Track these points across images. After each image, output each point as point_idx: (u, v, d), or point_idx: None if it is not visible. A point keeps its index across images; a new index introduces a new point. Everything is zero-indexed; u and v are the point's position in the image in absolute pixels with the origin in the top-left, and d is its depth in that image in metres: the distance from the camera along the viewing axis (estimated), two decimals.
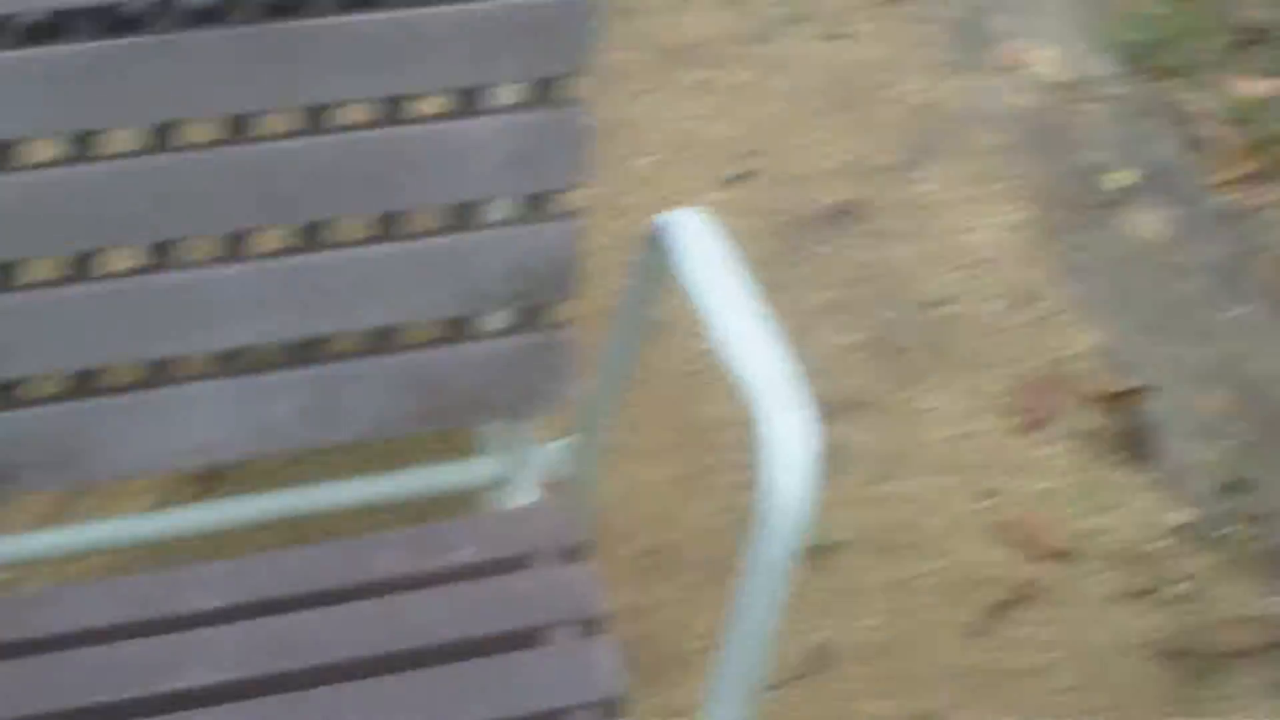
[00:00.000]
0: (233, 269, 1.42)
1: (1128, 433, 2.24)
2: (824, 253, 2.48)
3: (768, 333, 1.30)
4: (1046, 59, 2.82)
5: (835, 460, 2.11)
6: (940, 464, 2.18)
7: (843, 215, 2.56)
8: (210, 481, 1.94)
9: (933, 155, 2.66)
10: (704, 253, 1.37)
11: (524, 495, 1.64)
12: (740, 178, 2.59)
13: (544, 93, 1.42)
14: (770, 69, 2.83)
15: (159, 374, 1.45)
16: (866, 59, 2.84)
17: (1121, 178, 2.60)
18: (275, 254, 1.44)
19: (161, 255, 1.41)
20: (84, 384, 1.44)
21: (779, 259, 2.45)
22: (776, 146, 2.67)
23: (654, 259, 1.40)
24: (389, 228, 1.46)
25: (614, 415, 1.59)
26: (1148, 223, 2.53)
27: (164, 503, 1.91)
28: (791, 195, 2.57)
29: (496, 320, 1.53)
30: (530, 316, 1.51)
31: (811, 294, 2.42)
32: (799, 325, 2.22)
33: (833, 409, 2.22)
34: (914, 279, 2.45)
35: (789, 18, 2.93)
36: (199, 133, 1.37)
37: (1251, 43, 2.80)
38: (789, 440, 1.22)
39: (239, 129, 1.38)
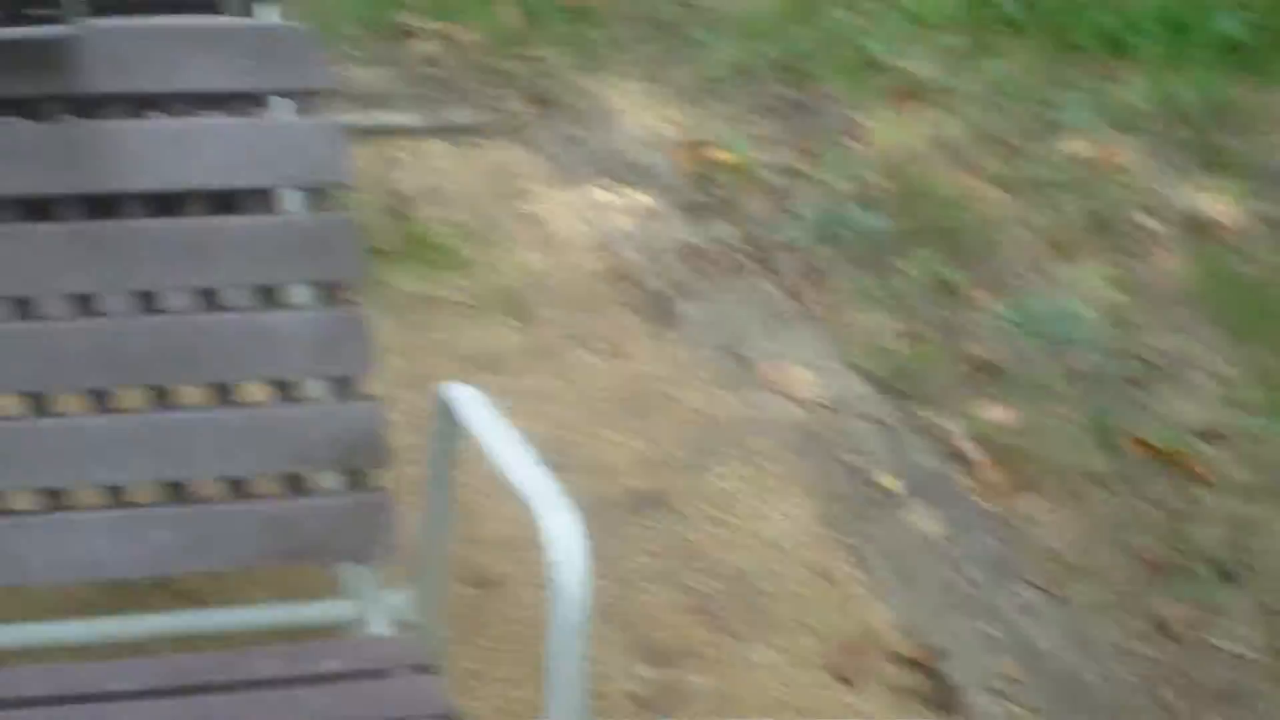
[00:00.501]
0: (100, 419, 1.77)
1: (932, 689, 2.47)
2: (634, 531, 2.69)
3: (534, 459, 1.63)
4: (803, 379, 3.16)
5: (675, 696, 2.28)
6: (771, 706, 2.36)
7: (646, 500, 2.78)
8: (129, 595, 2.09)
9: (718, 455, 2.93)
10: (478, 411, 1.73)
11: (378, 629, 1.92)
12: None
13: (331, 294, 1.83)
14: (560, 379, 3.08)
15: (53, 501, 1.75)
16: (645, 374, 3.12)
17: (889, 480, 2.91)
18: (132, 410, 1.78)
19: (38, 405, 1.74)
20: None
21: (593, 534, 2.64)
22: (576, 444, 2.89)
23: (444, 423, 1.76)
24: (222, 395, 1.81)
25: (443, 567, 1.93)
26: (920, 518, 2.84)
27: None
28: (597, 484, 2.78)
29: (328, 479, 1.86)
30: (355, 479, 1.85)
31: (629, 561, 2.61)
32: (622, 584, 2.42)
33: (668, 655, 2.39)
34: (721, 555, 2.67)
35: (569, 337, 3.20)
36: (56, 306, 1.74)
37: (979, 372, 3.22)
38: (565, 533, 1.54)
39: (85, 306, 1.75)
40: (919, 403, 3.12)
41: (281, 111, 1.86)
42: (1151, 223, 3.79)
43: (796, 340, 3.29)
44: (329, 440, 1.83)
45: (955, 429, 3.05)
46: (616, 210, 3.66)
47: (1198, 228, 3.78)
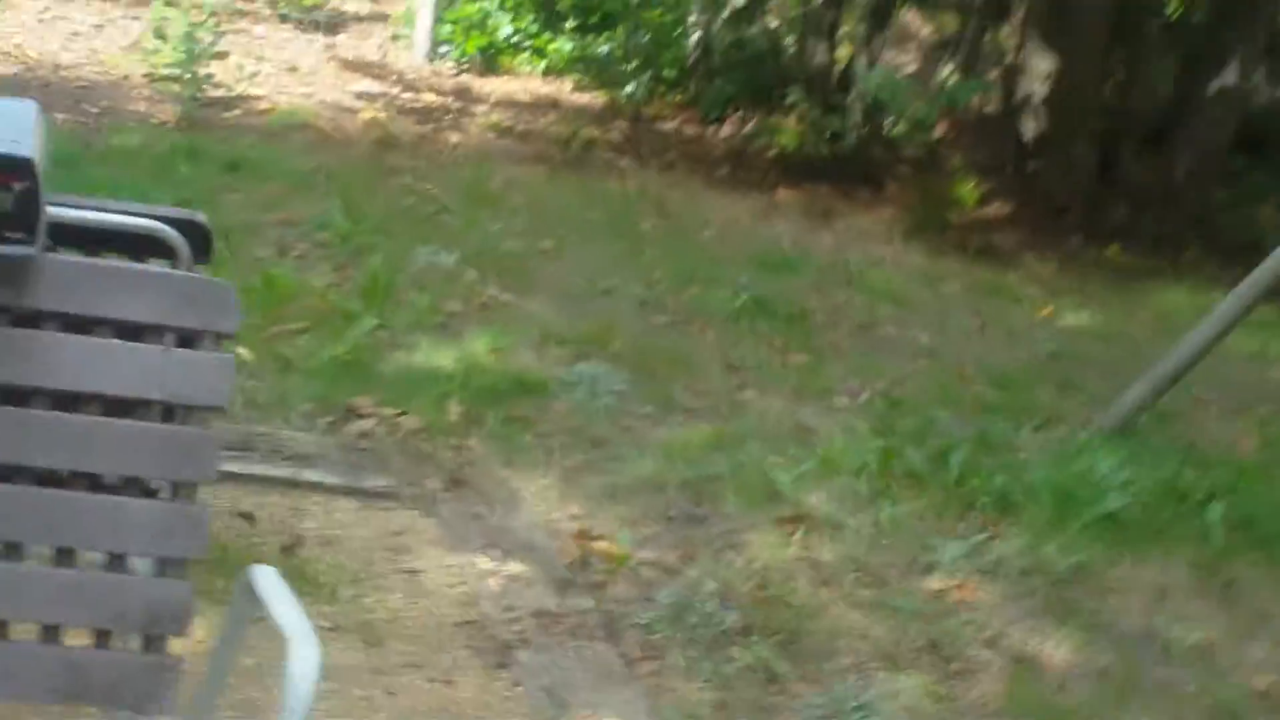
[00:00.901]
0: None
1: None
2: None
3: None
4: None
5: None
6: None
7: None
8: None
9: None
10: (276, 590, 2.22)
11: None
12: None
13: (183, 491, 2.34)
14: (385, 693, 3.53)
15: None
16: (464, 700, 3.57)
17: None
18: None
19: None
20: None
21: None
22: None
23: (242, 599, 2.27)
24: (64, 558, 2.31)
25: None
26: None
27: None
28: None
29: (133, 640, 2.33)
30: (154, 643, 2.33)
31: None
32: None
33: None
34: None
35: (406, 664, 3.67)
36: None
37: None
38: (306, 657, 2.03)
39: None
40: None
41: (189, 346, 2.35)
42: (985, 654, 4.21)
43: (618, 698, 3.72)
44: (143, 607, 2.31)
45: None
46: (490, 575, 4.16)
47: (1026, 662, 4.20)
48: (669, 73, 10.20)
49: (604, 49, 10.12)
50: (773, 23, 10.34)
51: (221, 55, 8.71)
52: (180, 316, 2.34)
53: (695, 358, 6.12)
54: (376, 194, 7.48)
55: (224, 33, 8.93)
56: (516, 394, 5.34)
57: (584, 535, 4.47)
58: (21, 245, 2.20)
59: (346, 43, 10.86)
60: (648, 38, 10.02)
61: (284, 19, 10.81)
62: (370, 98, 9.61)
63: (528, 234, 7.34)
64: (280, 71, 9.75)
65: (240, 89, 8.87)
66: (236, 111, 8.57)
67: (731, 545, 4.60)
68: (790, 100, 9.59)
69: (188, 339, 2.34)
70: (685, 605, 4.16)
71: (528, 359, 5.67)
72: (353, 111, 9.28)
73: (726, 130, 10.12)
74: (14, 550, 2.28)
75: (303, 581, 3.90)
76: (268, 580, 2.26)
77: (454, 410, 5.08)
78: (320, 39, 10.75)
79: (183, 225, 2.65)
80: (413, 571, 4.12)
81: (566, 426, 5.20)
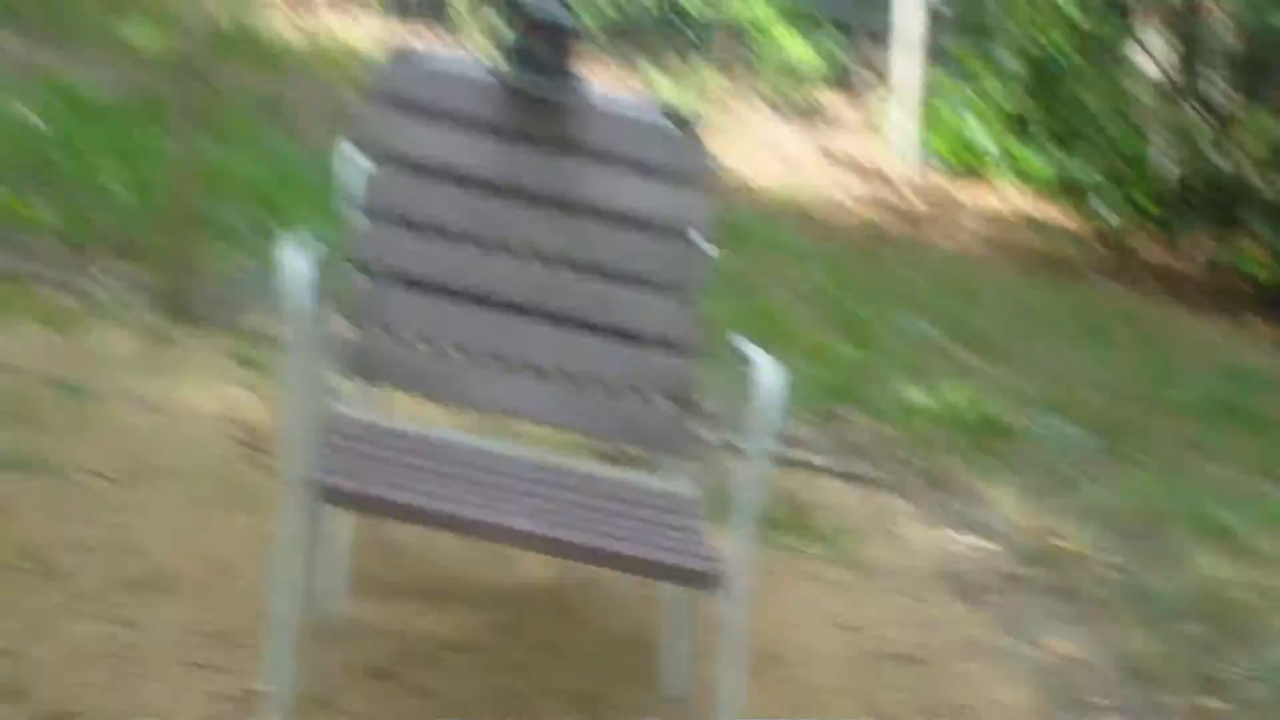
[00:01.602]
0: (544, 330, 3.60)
1: None
2: None
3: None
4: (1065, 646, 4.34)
5: None
6: None
7: None
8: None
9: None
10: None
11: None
12: None
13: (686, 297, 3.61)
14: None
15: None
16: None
17: None
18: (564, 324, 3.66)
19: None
20: None
21: None
22: None
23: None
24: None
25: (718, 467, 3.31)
26: None
27: None
28: None
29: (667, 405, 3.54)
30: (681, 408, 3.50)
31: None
32: None
33: None
34: None
35: (888, 589, 4.52)
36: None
37: None
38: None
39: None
40: None
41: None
42: None
43: (1070, 634, 4.50)
44: (673, 381, 3.55)
45: None
46: (961, 547, 5.01)
47: None
48: (1142, 200, 10.80)
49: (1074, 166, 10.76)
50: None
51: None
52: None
53: (1153, 431, 6.82)
54: (862, 273, 8.46)
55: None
56: (987, 430, 6.18)
57: (1042, 530, 5.26)
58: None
59: (825, 134, 11.92)
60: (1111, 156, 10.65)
61: (772, 106, 11.94)
62: (856, 194, 10.65)
63: (1002, 321, 8.19)
64: (768, 157, 10.91)
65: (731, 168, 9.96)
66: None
67: (1182, 561, 5.31)
68: (1253, 227, 10.12)
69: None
70: (1138, 591, 4.89)
71: (998, 408, 6.50)
72: (840, 203, 10.33)
73: (1192, 256, 10.71)
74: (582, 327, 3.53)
75: (802, 530, 4.80)
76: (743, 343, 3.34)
77: (930, 431, 5.95)
78: (797, 129, 11.84)
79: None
80: (894, 535, 4.99)
81: (1030, 458, 6.00)
